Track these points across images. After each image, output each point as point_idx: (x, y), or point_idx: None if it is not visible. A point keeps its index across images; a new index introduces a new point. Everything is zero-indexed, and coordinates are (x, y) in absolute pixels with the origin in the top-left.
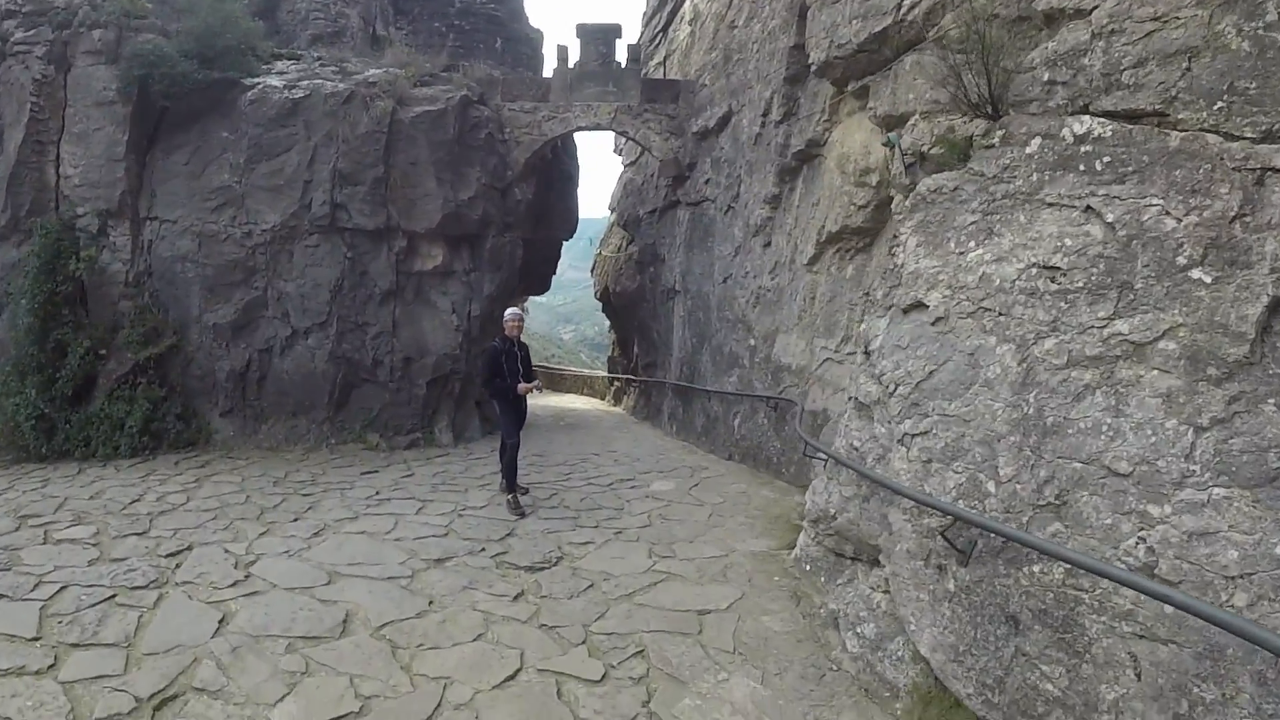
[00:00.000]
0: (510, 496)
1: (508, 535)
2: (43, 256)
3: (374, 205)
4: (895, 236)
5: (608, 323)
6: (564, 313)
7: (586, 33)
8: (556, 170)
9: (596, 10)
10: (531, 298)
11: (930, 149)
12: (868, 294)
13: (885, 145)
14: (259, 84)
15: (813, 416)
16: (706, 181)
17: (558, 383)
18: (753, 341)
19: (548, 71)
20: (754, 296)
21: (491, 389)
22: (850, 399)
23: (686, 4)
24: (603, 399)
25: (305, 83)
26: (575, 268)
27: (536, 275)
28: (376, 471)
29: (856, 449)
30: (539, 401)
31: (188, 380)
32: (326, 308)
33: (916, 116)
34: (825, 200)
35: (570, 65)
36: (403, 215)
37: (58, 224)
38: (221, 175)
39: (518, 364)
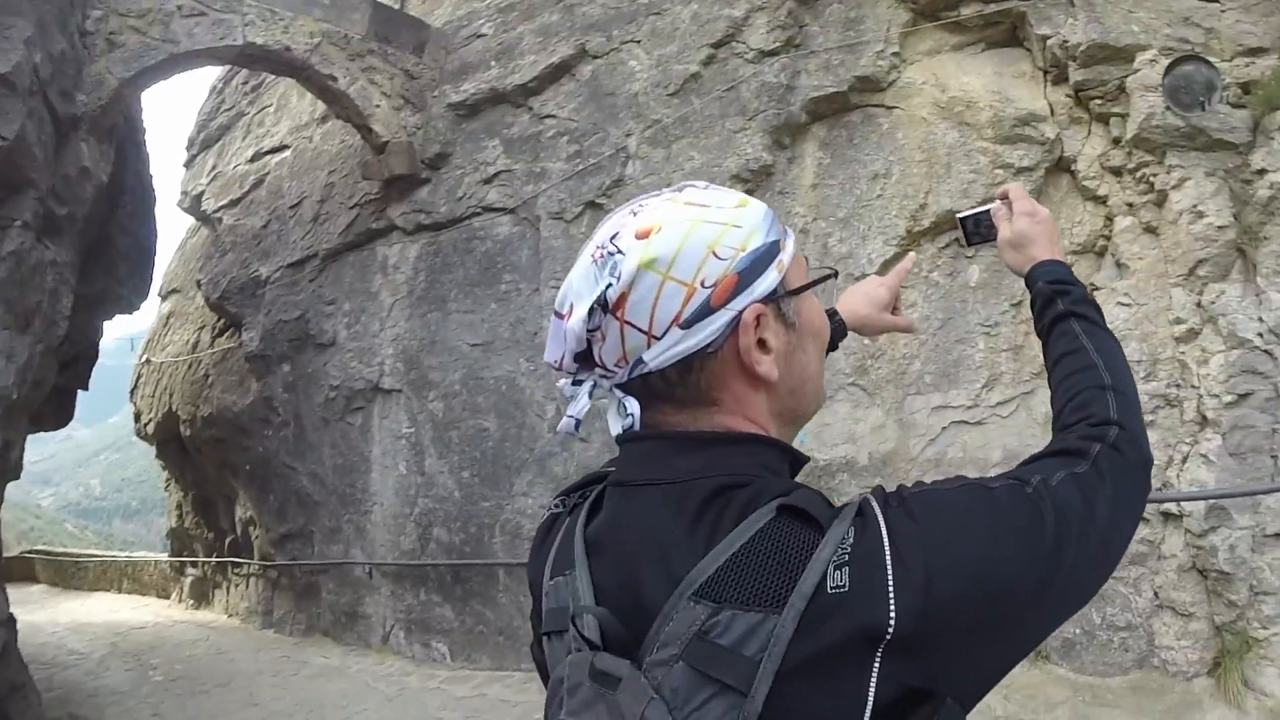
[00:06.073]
0: None
1: None
2: None
3: None
4: None
5: (109, 483)
6: (38, 472)
7: None
8: (133, 172)
9: None
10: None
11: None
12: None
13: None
14: None
15: None
16: (490, 180)
17: (74, 578)
18: None
19: None
20: None
21: None
22: None
23: None
24: (166, 597)
25: None
26: None
27: (53, 383)
28: None
29: None
30: (44, 616)
31: None
32: None
33: (1155, 52)
34: (915, 168)
35: None
36: None
37: None
38: None
39: None
